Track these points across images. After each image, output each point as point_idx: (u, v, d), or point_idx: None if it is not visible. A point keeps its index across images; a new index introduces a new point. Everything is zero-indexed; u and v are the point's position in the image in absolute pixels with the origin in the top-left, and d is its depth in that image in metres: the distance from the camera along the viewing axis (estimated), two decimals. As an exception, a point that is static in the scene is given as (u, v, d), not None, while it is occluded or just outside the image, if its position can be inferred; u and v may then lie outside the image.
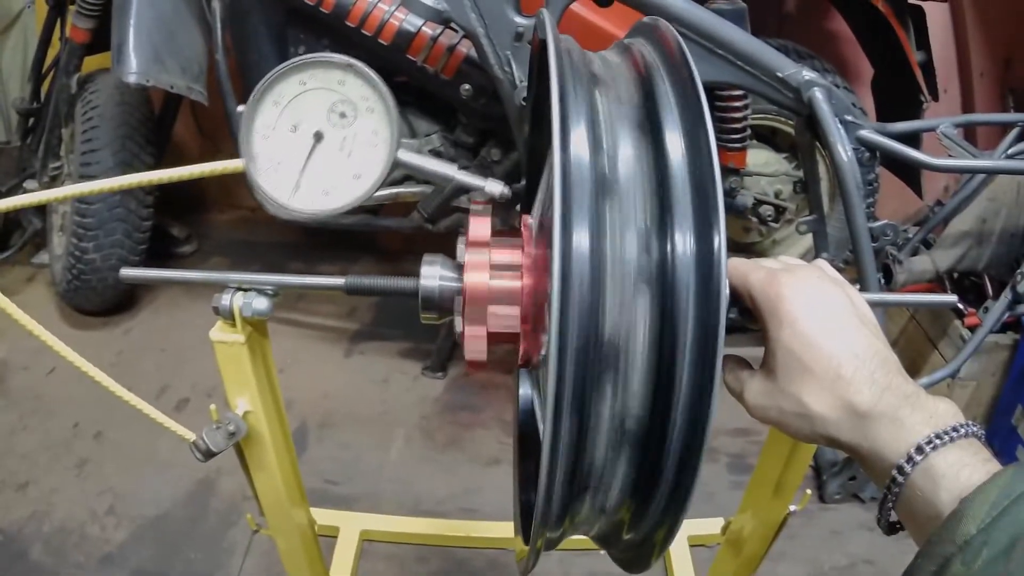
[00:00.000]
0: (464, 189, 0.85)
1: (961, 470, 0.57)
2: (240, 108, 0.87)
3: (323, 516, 1.65)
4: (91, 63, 2.50)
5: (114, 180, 0.96)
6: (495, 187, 0.87)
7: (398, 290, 0.82)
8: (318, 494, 2.02)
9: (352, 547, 1.78)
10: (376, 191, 0.85)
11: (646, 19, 0.78)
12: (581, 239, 0.58)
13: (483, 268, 0.72)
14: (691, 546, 1.79)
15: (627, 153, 0.64)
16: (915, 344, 2.35)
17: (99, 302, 2.62)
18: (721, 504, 1.95)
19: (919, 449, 0.59)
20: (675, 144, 0.63)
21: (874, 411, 0.62)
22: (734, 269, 0.71)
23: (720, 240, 0.58)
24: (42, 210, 2.77)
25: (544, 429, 0.58)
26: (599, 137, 0.64)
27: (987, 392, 2.21)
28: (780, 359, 0.66)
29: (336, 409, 2.35)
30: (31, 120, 2.76)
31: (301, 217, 0.89)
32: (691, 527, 1.78)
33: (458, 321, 0.76)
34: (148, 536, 1.94)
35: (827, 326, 0.65)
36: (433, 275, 0.77)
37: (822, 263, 0.73)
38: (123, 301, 2.71)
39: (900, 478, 0.59)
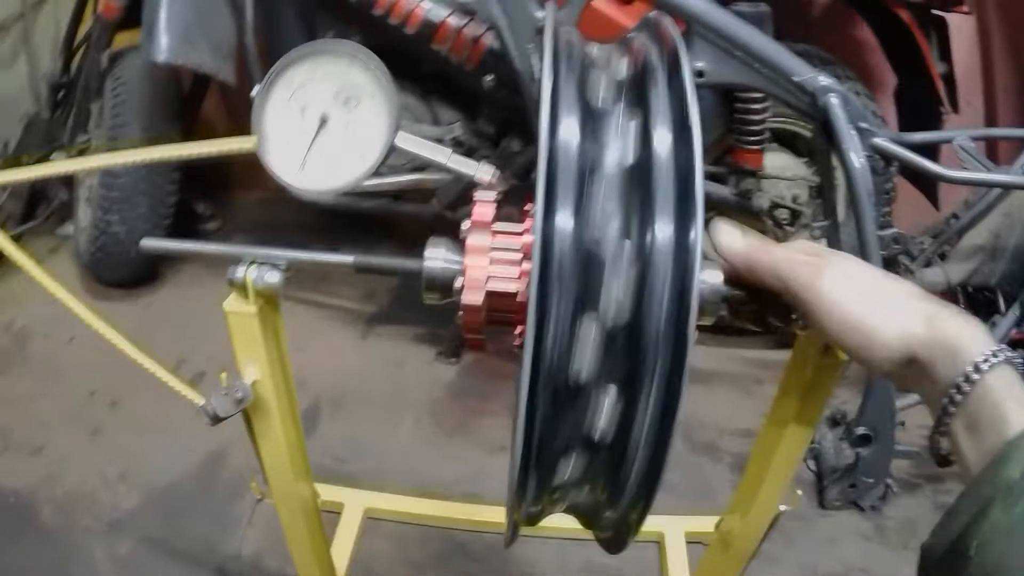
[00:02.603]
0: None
1: (1011, 410, 0.57)
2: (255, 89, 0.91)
3: (328, 491, 1.68)
4: (122, 39, 2.53)
5: (135, 152, 1.00)
6: (485, 173, 0.90)
7: (403, 269, 0.84)
8: (326, 470, 2.05)
9: (356, 522, 1.81)
10: (373, 173, 0.89)
11: (651, 14, 0.80)
12: (564, 219, 0.61)
13: (483, 251, 0.75)
14: (689, 542, 1.81)
15: (615, 143, 0.67)
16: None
17: (122, 274, 2.67)
18: (722, 503, 1.96)
19: (976, 368, 0.59)
20: (662, 136, 0.65)
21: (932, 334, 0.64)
22: (765, 254, 0.73)
23: (697, 229, 0.61)
24: (69, 183, 2.82)
25: (519, 398, 0.60)
26: (588, 126, 0.67)
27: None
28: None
29: (350, 389, 2.38)
30: (60, 93, 2.81)
31: (310, 195, 0.93)
32: (688, 523, 1.80)
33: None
34: (157, 504, 1.98)
35: (874, 299, 0.68)
36: (436, 256, 0.80)
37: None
38: (146, 274, 2.76)
39: (959, 396, 0.60)
